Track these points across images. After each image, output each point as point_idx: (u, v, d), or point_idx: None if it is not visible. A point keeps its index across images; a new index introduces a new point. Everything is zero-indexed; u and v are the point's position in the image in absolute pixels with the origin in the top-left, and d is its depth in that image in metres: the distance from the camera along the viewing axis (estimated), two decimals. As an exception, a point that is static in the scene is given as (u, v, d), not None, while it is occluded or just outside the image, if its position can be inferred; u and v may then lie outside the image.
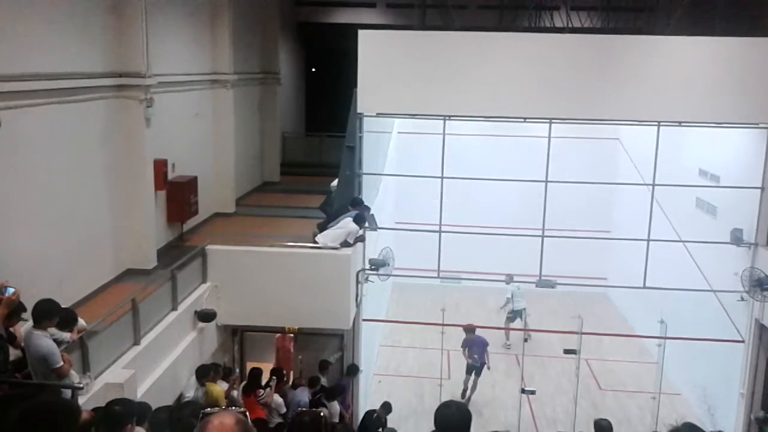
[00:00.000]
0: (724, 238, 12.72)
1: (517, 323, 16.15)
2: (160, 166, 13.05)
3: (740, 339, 12.61)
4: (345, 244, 11.55)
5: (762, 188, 12.30)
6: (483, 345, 14.27)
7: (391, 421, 12.48)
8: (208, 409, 2.99)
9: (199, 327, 10.58)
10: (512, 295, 16.08)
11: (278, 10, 21.12)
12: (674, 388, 14.38)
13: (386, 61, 12.56)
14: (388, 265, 12.40)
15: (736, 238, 12.59)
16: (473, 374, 14.33)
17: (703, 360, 13.62)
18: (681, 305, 13.30)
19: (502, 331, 16.51)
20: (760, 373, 12.44)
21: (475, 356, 14.14)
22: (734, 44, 12.31)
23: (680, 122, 12.81)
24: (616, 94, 12.37)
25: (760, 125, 12.29)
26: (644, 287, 13.22)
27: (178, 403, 9.19)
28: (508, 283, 15.78)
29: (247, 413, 3.18)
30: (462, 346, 14.30)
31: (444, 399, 12.32)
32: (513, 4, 20.91)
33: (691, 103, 12.28)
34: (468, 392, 14.34)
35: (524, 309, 15.91)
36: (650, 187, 13.21)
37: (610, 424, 9.42)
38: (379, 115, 13.27)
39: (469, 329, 14.39)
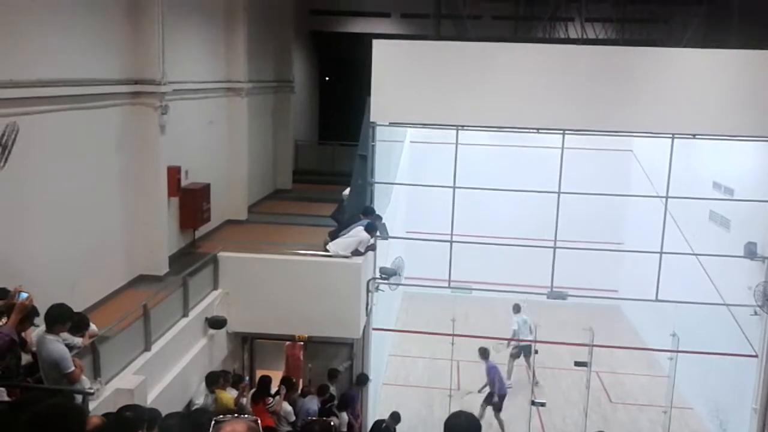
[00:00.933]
0: (738, 252, 12.63)
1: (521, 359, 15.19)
2: (174, 173, 13.09)
3: (753, 354, 12.50)
4: (356, 252, 11.56)
5: (776, 202, 12.22)
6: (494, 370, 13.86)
7: (401, 431, 12.44)
8: (221, 416, 3.00)
9: (209, 334, 10.60)
10: (518, 327, 14.99)
11: (293, 19, 21.22)
12: (686, 402, 14.25)
13: (400, 70, 12.61)
14: (399, 274, 12.38)
15: (750, 252, 12.50)
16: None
17: (715, 374, 13.49)
18: (693, 319, 13.19)
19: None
20: (774, 389, 12.31)
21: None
22: (749, 57, 12.26)
23: (694, 135, 12.75)
24: (630, 105, 12.35)
25: (775, 138, 12.21)
26: (656, 300, 13.13)
27: (188, 410, 9.23)
28: (516, 312, 15.02)
29: (258, 421, 3.18)
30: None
31: (453, 409, 12.29)
32: (528, 15, 20.92)
33: (705, 116, 12.23)
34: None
35: (531, 346, 14.66)
36: (663, 199, 13.15)
37: None
38: (391, 124, 13.30)
39: (484, 353, 13.94)
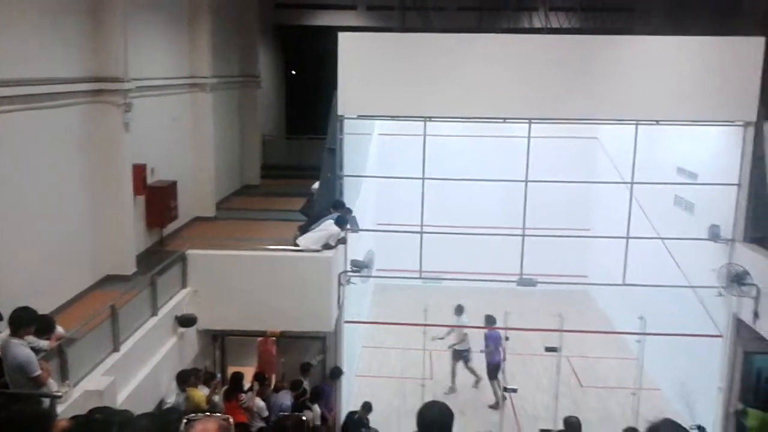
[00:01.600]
0: (702, 235, 12.88)
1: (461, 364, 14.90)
2: (139, 171, 12.97)
3: (718, 334, 12.77)
4: (326, 246, 11.55)
5: (738, 185, 12.47)
6: (497, 339, 14.06)
7: (374, 421, 12.49)
8: (192, 415, 2.98)
9: (179, 332, 10.51)
10: (466, 332, 14.59)
11: (257, 14, 21.06)
12: (654, 383, 14.52)
13: (366, 63, 12.59)
14: (370, 267, 12.40)
15: (714, 235, 12.75)
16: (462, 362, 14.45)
17: (682, 355, 13.77)
18: (660, 301, 13.43)
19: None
20: (738, 367, 12.60)
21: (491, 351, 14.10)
22: (710, 43, 12.49)
23: (658, 121, 12.96)
24: (595, 93, 12.50)
25: (736, 123, 12.47)
26: (624, 284, 13.34)
27: (159, 409, 9.15)
28: (459, 314, 14.65)
29: (230, 419, 3.17)
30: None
31: (427, 399, 12.36)
32: (492, 6, 21.01)
33: (669, 102, 12.43)
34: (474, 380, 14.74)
35: (469, 350, 14.63)
36: (629, 185, 13.35)
37: (578, 421, 9.54)
38: (359, 117, 13.28)
39: (489, 319, 14.24)
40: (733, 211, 12.54)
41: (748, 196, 12.40)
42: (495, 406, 13.97)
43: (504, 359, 13.76)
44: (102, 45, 11.53)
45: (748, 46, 12.13)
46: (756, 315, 11.55)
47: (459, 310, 14.66)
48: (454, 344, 14.69)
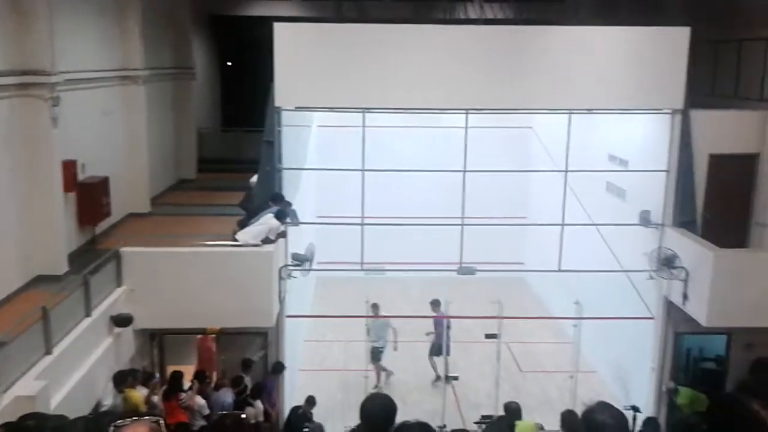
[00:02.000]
0: (634, 220, 13.28)
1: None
2: (69, 167, 12.58)
3: (650, 316, 13.22)
4: (266, 240, 11.44)
5: (667, 171, 12.90)
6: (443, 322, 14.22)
7: (318, 415, 12.48)
8: (119, 421, 2.89)
9: (115, 332, 10.25)
10: (372, 329, 14.28)
11: (190, 3, 20.62)
12: (591, 366, 14.94)
13: (303, 54, 12.47)
14: (310, 260, 12.33)
15: (645, 220, 13.17)
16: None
17: (617, 338, 14.21)
18: (595, 286, 13.81)
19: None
20: (669, 348, 13.09)
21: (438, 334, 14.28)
22: (638, 34, 12.83)
23: (590, 109, 13.27)
24: (529, 83, 12.69)
25: (664, 111, 12.86)
26: (559, 270, 13.66)
27: (95, 413, 8.91)
28: (436, 308, 14.55)
29: (161, 421, 3.08)
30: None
31: (369, 391, 12.42)
32: (427, -4, 21.10)
33: (600, 91, 12.73)
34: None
35: (384, 348, 14.54)
36: (563, 173, 13.64)
37: (518, 406, 9.76)
38: (297, 108, 13.16)
39: (435, 303, 14.43)
40: (662, 197, 12.96)
41: (677, 182, 12.85)
42: (437, 381, 14.52)
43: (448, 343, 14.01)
44: (26, 36, 11.11)
45: (675, 36, 12.52)
46: (685, 297, 12.00)
47: (436, 303, 14.60)
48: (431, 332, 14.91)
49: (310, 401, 12.28)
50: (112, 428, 2.81)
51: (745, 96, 14.60)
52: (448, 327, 14.10)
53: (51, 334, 8.56)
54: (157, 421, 2.96)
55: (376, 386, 14.43)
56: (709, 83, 15.89)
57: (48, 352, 8.50)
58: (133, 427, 2.72)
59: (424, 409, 13.23)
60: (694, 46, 12.66)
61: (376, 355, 14.37)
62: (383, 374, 14.77)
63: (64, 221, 12.19)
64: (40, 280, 11.44)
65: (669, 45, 12.55)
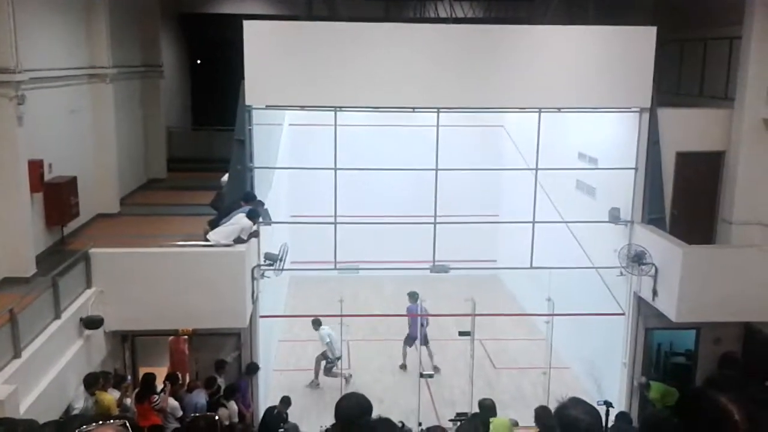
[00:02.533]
0: (604, 218, 13.44)
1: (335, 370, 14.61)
2: (36, 167, 12.38)
3: (621, 312, 13.40)
4: (238, 240, 11.35)
5: (636, 169, 13.08)
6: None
7: (292, 415, 12.44)
8: (84, 426, 2.83)
9: (85, 335, 10.08)
10: (330, 341, 14.30)
11: (158, 1, 20.38)
12: (564, 362, 15.10)
13: (273, 52, 12.39)
14: (283, 260, 12.26)
15: (614, 217, 13.33)
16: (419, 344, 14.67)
17: (588, 334, 14.37)
18: (566, 283, 13.95)
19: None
20: (640, 343, 13.27)
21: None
22: (607, 33, 12.97)
23: (559, 108, 13.39)
24: (499, 82, 12.76)
25: (632, 109, 13.03)
26: (531, 267, 13.76)
27: (65, 416, 8.76)
28: (317, 328, 14.41)
29: (128, 423, 3.02)
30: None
31: (344, 390, 12.41)
32: (398, -5, 21.11)
33: (569, 90, 12.84)
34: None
35: (338, 359, 14.48)
36: (533, 171, 13.75)
37: (493, 402, 9.83)
38: (268, 107, 13.07)
39: (412, 295, 14.64)
40: (631, 194, 13.14)
41: (645, 180, 13.04)
42: (403, 367, 15.03)
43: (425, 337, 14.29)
44: (-12, 34, 10.89)
45: (642, 35, 12.68)
46: (655, 293, 12.18)
47: (317, 323, 14.48)
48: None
49: (285, 401, 12.24)
50: None
51: (710, 95, 14.87)
52: (424, 324, 14.14)
53: (19, 337, 8.39)
54: (123, 423, 2.90)
55: (316, 383, 14.56)
56: (674, 82, 16.16)
57: (16, 355, 8.33)
58: (100, 429, 2.67)
59: (399, 407, 13.25)
60: (661, 45, 12.86)
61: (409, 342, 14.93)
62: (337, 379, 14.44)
63: (32, 222, 12.00)
64: (6, 283, 11.25)
65: (636, 44, 12.72)
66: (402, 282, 16.36)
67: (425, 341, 14.77)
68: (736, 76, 13.56)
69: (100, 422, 2.83)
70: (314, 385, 14.57)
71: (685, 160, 13.35)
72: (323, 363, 14.55)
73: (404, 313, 15.12)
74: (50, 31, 13.66)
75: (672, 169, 13.24)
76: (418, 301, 14.52)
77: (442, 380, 14.53)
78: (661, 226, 12.88)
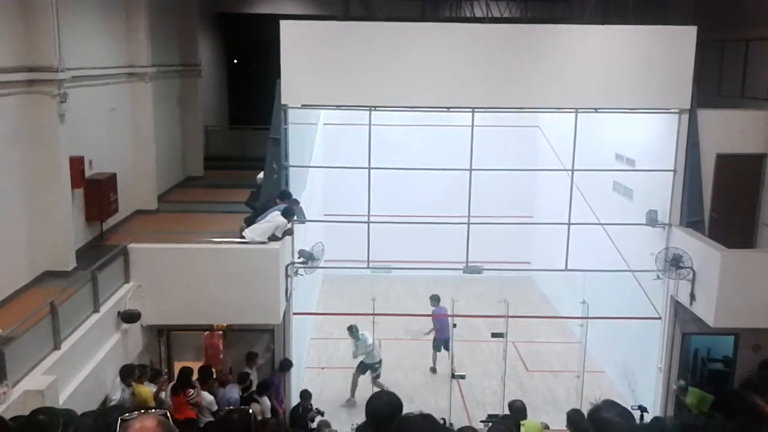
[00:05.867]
0: (640, 220, 13.24)
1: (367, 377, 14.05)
2: (77, 164, 12.61)
3: (657, 316, 13.18)
4: (273, 238, 11.44)
5: (674, 171, 12.86)
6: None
7: (325, 412, 12.49)
8: (127, 414, 2.91)
9: (123, 328, 10.28)
10: (356, 348, 13.96)
11: (197, 1, 20.66)
12: (597, 366, 14.91)
13: (309, 51, 12.47)
14: (317, 258, 12.33)
15: (651, 220, 13.13)
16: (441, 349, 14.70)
17: (623, 338, 14.18)
18: (601, 286, 13.78)
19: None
20: (676, 348, 13.04)
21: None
22: (645, 32, 12.78)
23: (597, 109, 13.24)
24: (535, 82, 12.65)
25: (672, 110, 12.82)
26: (566, 269, 13.64)
27: (103, 408, 8.95)
28: (355, 334, 13.93)
29: (168, 414, 3.09)
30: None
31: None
32: (434, -5, 21.09)
33: (607, 90, 12.69)
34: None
35: (379, 362, 13.97)
36: (569, 172, 13.62)
37: (523, 404, 9.75)
38: (303, 106, 13.17)
39: (435, 298, 14.66)
40: (669, 197, 12.93)
41: (684, 182, 12.81)
42: (433, 370, 15.03)
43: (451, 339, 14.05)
44: (34, 33, 11.14)
45: (682, 35, 12.47)
46: (692, 297, 11.96)
47: (435, 299, 14.76)
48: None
49: (305, 395, 12.32)
50: (119, 421, 2.83)
51: (752, 96, 14.56)
52: (454, 325, 14.10)
53: (59, 330, 8.58)
54: (165, 414, 2.97)
55: (351, 400, 13.89)
56: (715, 83, 15.86)
57: (56, 347, 8.52)
58: (140, 420, 2.74)
59: (430, 407, 13.22)
60: (701, 45, 12.63)
61: (365, 369, 13.94)
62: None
63: (72, 217, 12.22)
64: (47, 276, 11.48)
65: (676, 44, 12.51)
66: (434, 282, 16.36)
67: (447, 345, 14.51)
68: (779, 78, 13.27)
69: (143, 411, 2.91)
70: (351, 403, 13.83)
71: (725, 162, 13.08)
72: (368, 375, 13.91)
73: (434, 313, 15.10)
74: (91, 31, 13.93)
75: (712, 172, 12.98)
76: (441, 303, 14.52)
77: (474, 381, 14.46)
78: (699, 229, 12.64)
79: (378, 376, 14.03)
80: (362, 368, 14.03)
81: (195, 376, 11.21)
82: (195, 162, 20.60)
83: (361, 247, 13.54)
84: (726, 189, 13.17)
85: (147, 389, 9.97)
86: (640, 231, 13.25)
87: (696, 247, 12.01)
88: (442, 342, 14.71)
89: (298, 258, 12.33)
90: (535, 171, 18.23)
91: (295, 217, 12.34)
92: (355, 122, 14.42)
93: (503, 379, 13.24)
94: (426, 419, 3.72)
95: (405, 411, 4.09)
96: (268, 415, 11.42)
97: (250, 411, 5.13)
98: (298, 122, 13.47)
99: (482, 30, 13.47)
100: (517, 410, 9.70)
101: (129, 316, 10.36)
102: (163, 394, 10.33)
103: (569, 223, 13.43)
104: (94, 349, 9.43)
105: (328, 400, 12.86)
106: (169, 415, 3.13)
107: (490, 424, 11.02)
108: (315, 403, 12.65)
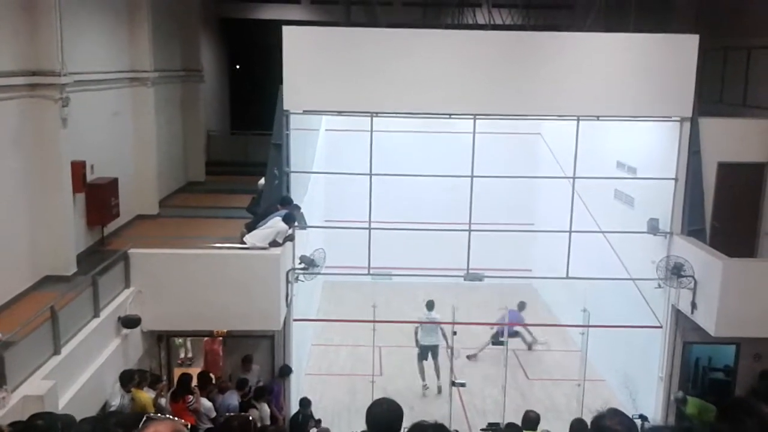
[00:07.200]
0: (642, 228, 13.22)
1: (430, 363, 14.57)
2: (78, 168, 12.63)
3: (658, 325, 13.15)
4: (274, 243, 11.43)
5: (676, 179, 12.85)
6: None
7: (325, 420, 12.46)
8: (150, 414, 2.92)
9: (123, 333, 10.26)
10: (417, 330, 14.51)
11: (199, 6, 20.71)
12: (598, 374, 14.85)
13: (312, 57, 12.49)
14: (318, 265, 12.32)
15: (653, 228, 13.10)
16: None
17: (624, 346, 14.13)
18: (602, 294, 13.74)
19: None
20: (677, 357, 13.00)
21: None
22: (647, 40, 12.80)
23: (598, 116, 13.23)
24: (537, 89, 12.66)
25: (673, 118, 12.82)
26: (567, 277, 13.61)
27: (102, 413, 8.92)
28: (430, 310, 14.49)
29: (188, 424, 3.09)
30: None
31: (376, 396, 12.39)
32: (436, 2, 21.15)
33: (608, 98, 12.69)
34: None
35: (438, 345, 14.38)
36: (570, 180, 13.61)
37: (538, 415, 9.70)
38: (305, 112, 13.18)
39: (429, 305, 14.60)
40: (670, 205, 12.91)
41: (685, 190, 12.80)
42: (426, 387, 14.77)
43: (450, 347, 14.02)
44: (36, 37, 11.17)
45: (684, 43, 12.49)
46: (694, 306, 11.93)
47: (430, 305, 14.65)
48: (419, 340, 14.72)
49: (304, 403, 12.28)
50: (144, 419, 2.85)
51: (754, 104, 14.56)
52: (455, 333, 14.07)
53: (59, 334, 8.56)
54: (186, 424, 2.99)
55: (424, 386, 14.58)
56: (717, 91, 15.86)
57: (56, 352, 8.51)
58: (164, 423, 2.75)
59: (430, 415, 13.15)
60: (703, 53, 12.63)
61: (426, 353, 14.44)
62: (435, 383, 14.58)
63: (73, 222, 12.23)
64: (48, 281, 11.47)
65: (678, 52, 12.52)
66: (435, 289, 16.31)
67: (435, 355, 14.44)
68: (781, 86, 13.28)
69: (167, 416, 2.92)
70: (425, 388, 14.57)
71: (727, 170, 13.06)
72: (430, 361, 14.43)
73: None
74: (94, 35, 13.96)
75: (713, 180, 12.97)
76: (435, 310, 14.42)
77: (474, 389, 14.41)
78: (701, 238, 12.63)
79: (436, 356, 14.40)
80: (424, 353, 14.31)
81: (194, 383, 11.18)
82: (196, 167, 20.62)
83: (362, 254, 13.52)
84: (727, 198, 13.16)
85: (146, 395, 9.94)
86: (641, 239, 13.23)
87: (697, 256, 11.99)
88: (429, 349, 14.46)
89: (299, 264, 12.31)
90: (537, 178, 18.21)
91: (296, 223, 12.33)
92: (356, 128, 14.42)
93: (504, 387, 13.20)
94: (439, 429, 3.71)
95: (405, 419, 4.07)
96: (267, 422, 11.39)
97: (250, 417, 5.18)
98: (300, 128, 13.48)
99: (484, 37, 13.49)
100: (532, 421, 9.66)
101: (129, 322, 10.34)
102: (162, 400, 10.30)
103: (570, 231, 13.41)
104: (93, 354, 9.41)
105: (328, 407, 12.81)
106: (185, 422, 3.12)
107: (492, 432, 11.02)
108: (314, 410, 12.62)
